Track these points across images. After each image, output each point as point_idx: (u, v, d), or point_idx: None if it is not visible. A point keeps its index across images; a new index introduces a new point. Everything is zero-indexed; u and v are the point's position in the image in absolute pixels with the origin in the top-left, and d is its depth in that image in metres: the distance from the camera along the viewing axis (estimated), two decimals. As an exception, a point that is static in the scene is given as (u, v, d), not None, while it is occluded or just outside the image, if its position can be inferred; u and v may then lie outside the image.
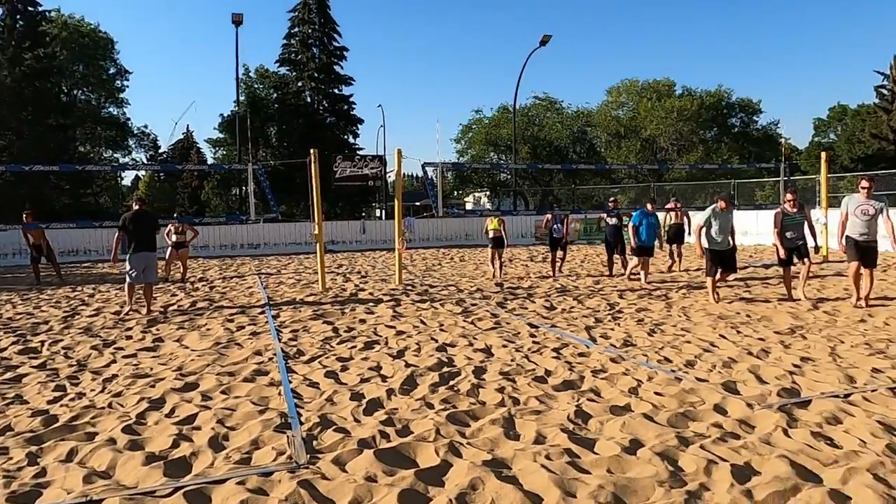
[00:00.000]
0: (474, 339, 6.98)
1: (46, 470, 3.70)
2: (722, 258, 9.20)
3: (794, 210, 8.89)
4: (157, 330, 7.96)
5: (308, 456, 3.78)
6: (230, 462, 3.72)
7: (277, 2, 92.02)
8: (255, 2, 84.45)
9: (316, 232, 11.54)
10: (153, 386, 5.37)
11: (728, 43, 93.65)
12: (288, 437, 4.07)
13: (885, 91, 48.75)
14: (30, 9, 34.20)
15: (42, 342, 7.32)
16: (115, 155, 45.88)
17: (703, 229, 9.13)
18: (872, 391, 4.73)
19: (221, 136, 42.67)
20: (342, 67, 42.57)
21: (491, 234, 12.85)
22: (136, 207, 9.54)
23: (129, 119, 45.70)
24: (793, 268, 9.16)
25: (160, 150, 50.69)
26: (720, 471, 3.41)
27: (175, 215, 17.58)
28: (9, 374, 5.87)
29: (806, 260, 8.85)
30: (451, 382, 5.28)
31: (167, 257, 13.79)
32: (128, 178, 58.49)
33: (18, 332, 7.99)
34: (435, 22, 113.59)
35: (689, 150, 44.04)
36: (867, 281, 8.23)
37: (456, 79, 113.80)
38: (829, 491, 3.14)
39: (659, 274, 12.71)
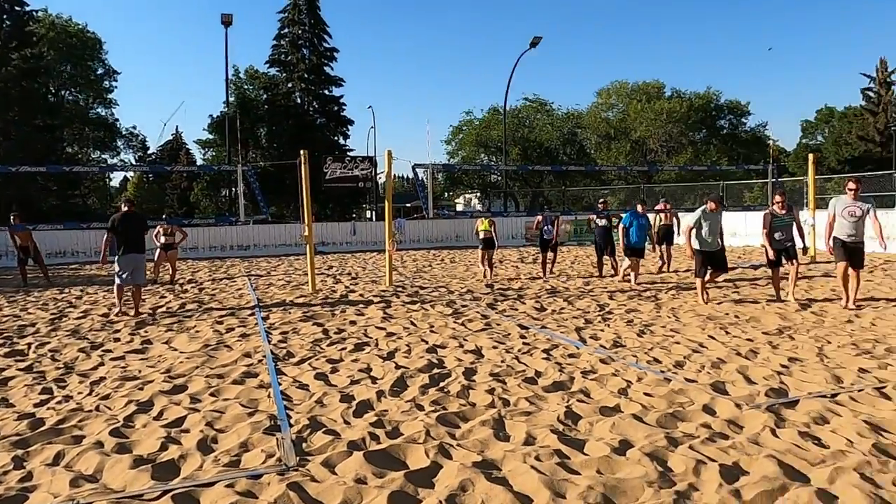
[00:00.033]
0: (465, 340, 6.98)
1: (33, 474, 3.66)
2: (712, 259, 9.26)
3: (783, 212, 8.95)
4: (146, 332, 7.91)
5: (297, 458, 3.77)
6: (219, 465, 3.70)
7: (267, 3, 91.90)
8: (244, 3, 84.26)
9: (306, 233, 11.50)
10: (141, 388, 5.33)
11: (717, 45, 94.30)
12: (277, 439, 4.05)
13: (871, 93, 49.30)
14: (17, 8, 33.96)
15: (29, 345, 7.25)
16: (104, 156, 45.60)
17: (694, 230, 9.17)
18: (859, 391, 4.77)
19: (211, 137, 42.50)
20: (332, 68, 42.55)
21: (481, 235, 12.87)
22: (124, 209, 9.49)
23: (117, 120, 45.47)
24: (781, 269, 9.23)
25: (149, 152, 50.48)
26: (709, 471, 3.43)
27: (164, 217, 17.47)
28: (-5, 377, 5.81)
29: (794, 261, 8.91)
30: (442, 384, 5.28)
31: (156, 259, 13.71)
32: (116, 179, 58.22)
33: (5, 334, 7.91)
34: (425, 23, 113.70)
35: (678, 152, 44.30)
36: (854, 282, 8.31)
37: (446, 80, 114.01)
38: (817, 490, 3.16)
39: (649, 275, 12.77)
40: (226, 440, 4.11)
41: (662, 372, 5.48)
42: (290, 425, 4.33)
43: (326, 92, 42.62)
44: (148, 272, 11.05)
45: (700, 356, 5.99)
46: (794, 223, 8.98)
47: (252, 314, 9.11)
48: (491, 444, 3.93)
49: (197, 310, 9.64)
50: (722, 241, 9.37)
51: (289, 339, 7.25)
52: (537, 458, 3.65)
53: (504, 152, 37.30)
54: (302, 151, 11.72)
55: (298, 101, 42.24)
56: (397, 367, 5.87)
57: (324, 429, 4.25)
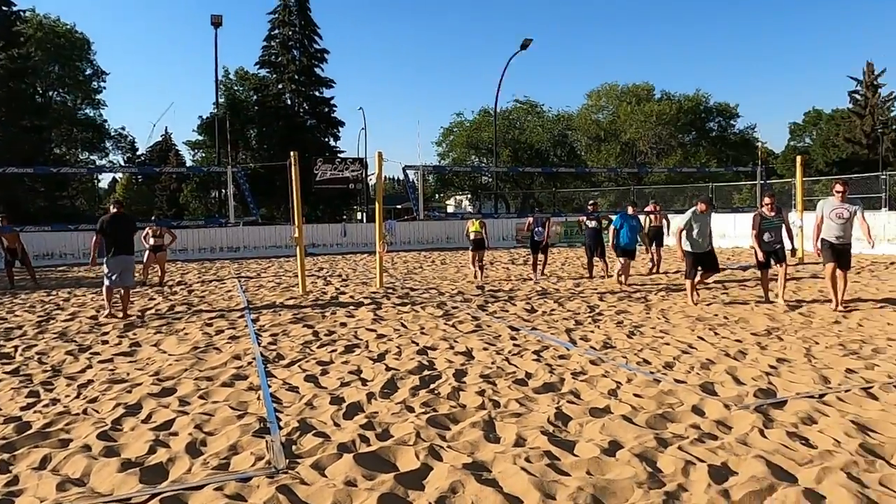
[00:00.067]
0: (455, 342, 6.98)
1: (19, 478, 3.63)
2: (703, 260, 9.30)
3: (772, 213, 9.00)
4: (134, 334, 7.86)
5: (287, 461, 3.75)
6: (208, 468, 3.68)
7: (257, 4, 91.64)
8: (234, 3, 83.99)
9: (296, 235, 11.47)
10: (130, 391, 5.29)
11: (706, 48, 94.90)
12: (267, 441, 4.04)
13: (858, 96, 49.81)
14: (3, 8, 33.71)
15: (15, 347, 7.18)
16: (92, 157, 45.30)
17: (684, 232, 9.21)
18: (846, 391, 4.80)
19: (200, 138, 42.35)
20: (323, 70, 42.55)
21: (472, 237, 12.89)
22: (113, 210, 9.43)
23: (105, 121, 45.20)
24: (770, 271, 9.28)
25: (138, 153, 50.14)
26: (698, 471, 3.44)
27: (153, 218, 17.37)
28: (-20, 381, 5.75)
29: (783, 264, 8.95)
30: (432, 386, 5.27)
31: (145, 261, 13.63)
32: (105, 180, 57.89)
33: (-9, 337, 7.84)
34: (416, 25, 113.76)
35: (667, 154, 44.57)
36: (842, 282, 8.37)
37: (437, 82, 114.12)
38: (804, 490, 3.18)
39: (639, 276, 12.82)
40: (215, 443, 4.08)
41: (652, 373, 5.50)
42: (280, 428, 4.31)
43: (317, 93, 42.59)
44: (137, 274, 10.98)
45: (689, 357, 6.02)
46: (784, 225, 9.04)
47: (242, 316, 9.08)
48: (481, 446, 3.93)
49: (186, 312, 9.59)
50: (711, 242, 9.43)
51: (279, 341, 7.23)
52: (527, 460, 3.66)
53: (495, 154, 37.37)
54: (292, 153, 11.69)
55: (289, 102, 42.17)
56: (387, 368, 5.86)
57: (313, 431, 4.24)
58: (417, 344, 6.90)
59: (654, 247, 13.73)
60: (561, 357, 6.19)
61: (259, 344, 7.09)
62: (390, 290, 11.61)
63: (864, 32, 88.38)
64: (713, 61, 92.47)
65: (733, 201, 33.15)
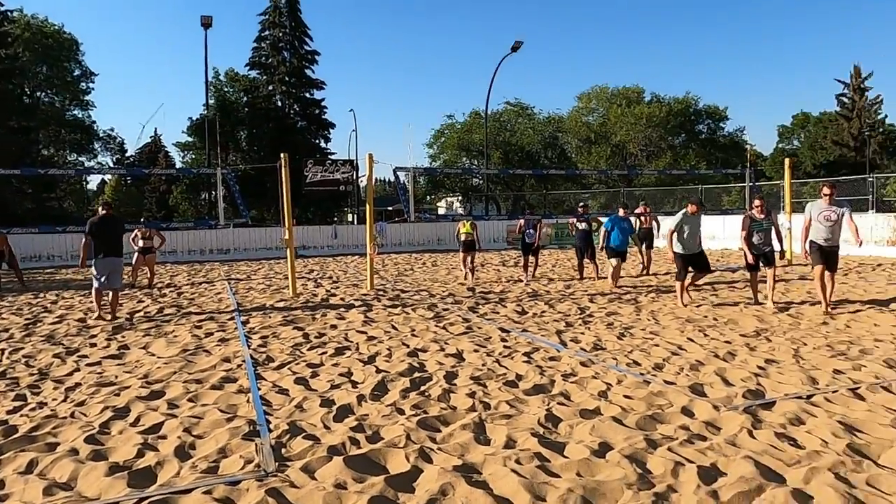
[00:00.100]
0: (446, 344, 6.97)
1: (5, 482, 3.59)
2: (693, 261, 9.35)
3: (762, 216, 9.03)
4: (123, 337, 7.81)
5: (277, 464, 3.74)
6: (197, 471, 3.66)
7: (247, 5, 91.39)
8: (224, 4, 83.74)
9: (286, 237, 11.44)
10: (118, 394, 5.26)
11: (696, 51, 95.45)
12: (256, 444, 4.02)
13: (845, 99, 50.22)
14: (-9, 9, 33.41)
15: (2, 350, 7.11)
16: (80, 158, 44.94)
17: (675, 234, 9.25)
18: (834, 392, 4.84)
19: (190, 139, 42.15)
20: (313, 71, 42.46)
21: (462, 238, 12.90)
22: (102, 212, 9.36)
23: (94, 122, 44.83)
24: (759, 273, 9.34)
25: (127, 154, 49.75)
26: (687, 472, 3.45)
27: (142, 220, 17.27)
28: (-34, 384, 5.69)
29: (772, 266, 8.98)
30: (423, 388, 5.27)
31: (133, 263, 13.55)
32: (93, 182, 57.47)
33: (-23, 340, 7.76)
34: (407, 27, 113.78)
35: (657, 156, 44.81)
36: (830, 284, 8.43)
37: (428, 84, 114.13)
38: (793, 490, 3.20)
39: (629, 278, 12.86)
40: (204, 446, 4.06)
41: (642, 374, 5.51)
42: (270, 430, 4.29)
43: (307, 95, 42.50)
44: (126, 276, 10.91)
45: (679, 358, 6.04)
46: (773, 227, 9.08)
47: (231, 318, 9.03)
48: (471, 448, 3.93)
49: (175, 314, 9.54)
50: (700, 244, 9.47)
51: (269, 344, 7.20)
52: (517, 462, 3.66)
53: (486, 156, 37.43)
54: (282, 155, 11.66)
55: (279, 103, 42.05)
56: (378, 371, 5.85)
57: (303, 434, 4.22)
58: (408, 346, 6.89)
59: (643, 248, 13.80)
60: (551, 359, 6.20)
61: (249, 346, 7.06)
62: (381, 292, 11.59)
63: (852, 36, 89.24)
64: (703, 64, 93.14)
65: (723, 203, 33.35)
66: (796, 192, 23.94)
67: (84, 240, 9.09)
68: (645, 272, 13.61)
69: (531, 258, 12.99)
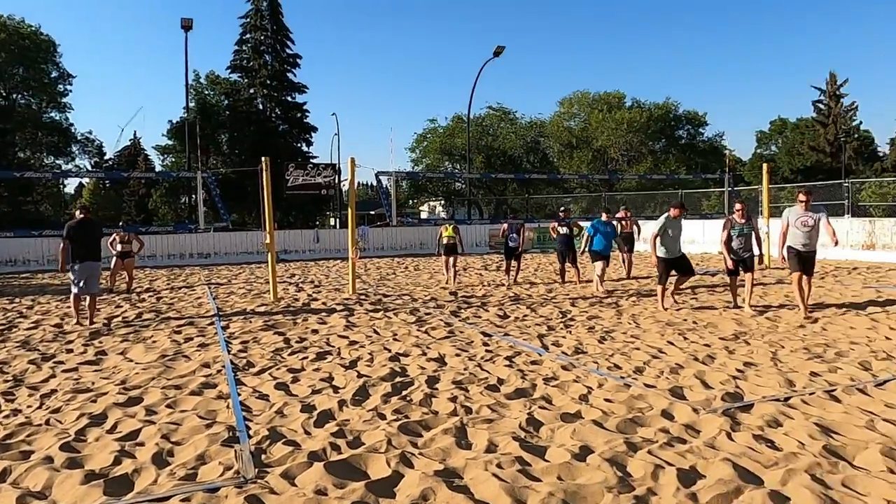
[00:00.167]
0: (428, 348, 6.96)
1: (-23, 491, 3.52)
2: (676, 265, 9.42)
3: (743, 220, 9.13)
4: (100, 343, 7.70)
5: (256, 470, 3.70)
6: (175, 478, 3.61)
7: (229, 8, 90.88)
8: (205, 7, 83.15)
9: (268, 241, 11.36)
10: (94, 401, 5.18)
11: (676, 57, 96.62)
12: (236, 451, 3.98)
13: (821, 105, 51.10)
14: (-34, 9, 32.83)
15: (-25, 357, 6.98)
16: (58, 161, 44.23)
17: (659, 238, 9.31)
18: (810, 394, 4.90)
19: (170, 142, 41.73)
20: (295, 75, 42.26)
21: (445, 241, 12.93)
22: (80, 216, 9.23)
23: (72, 124, 44.09)
24: (738, 277, 9.43)
25: (105, 157, 49.10)
26: (667, 475, 3.48)
27: (120, 224, 17.05)
28: (-62, 391, 5.57)
29: (751, 273, 9.07)
30: (404, 392, 5.26)
31: (112, 267, 13.37)
32: (71, 185, 56.59)
33: (-51, 346, 7.61)
34: (389, 31, 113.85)
35: (638, 161, 45.16)
36: (807, 287, 8.54)
37: (410, 88, 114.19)
38: (770, 492, 3.23)
39: (610, 282, 12.93)
40: (182, 453, 4.01)
41: (622, 378, 5.55)
42: (249, 437, 4.25)
43: (289, 98, 42.29)
44: (104, 281, 10.75)
45: (659, 362, 6.09)
46: (753, 232, 9.18)
47: (211, 323, 8.95)
48: (453, 453, 3.92)
49: (154, 319, 9.43)
50: (680, 247, 9.54)
51: (249, 349, 7.14)
52: (499, 466, 3.66)
53: (468, 160, 37.50)
54: (264, 158, 11.59)
55: (261, 107, 41.81)
56: (359, 375, 5.82)
57: (283, 440, 4.19)
58: (390, 350, 6.88)
59: (625, 252, 13.91)
60: (533, 363, 6.22)
61: (229, 351, 6.99)
62: (363, 297, 11.55)
63: (828, 43, 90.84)
64: (682, 70, 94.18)
65: (702, 208, 33.67)
66: (774, 196, 24.25)
67: (62, 244, 8.96)
68: (626, 276, 13.70)
69: (513, 262, 13.02)
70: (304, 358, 6.60)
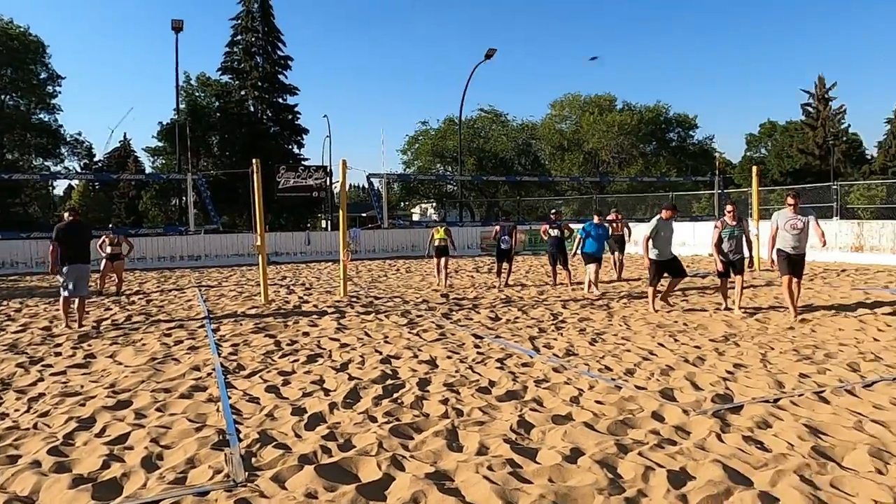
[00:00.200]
0: (419, 350, 6.96)
1: (-37, 496, 3.49)
2: (668, 267, 9.44)
3: (734, 223, 9.18)
4: (89, 346, 7.64)
5: (246, 474, 3.69)
6: (164, 482, 3.59)
7: (220, 9, 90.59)
8: (195, 8, 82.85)
9: (258, 243, 11.32)
10: (83, 404, 5.14)
11: (666, 60, 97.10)
12: (226, 454, 3.96)
13: (810, 108, 51.53)
14: (-47, 9, 32.57)
15: (-38, 360, 6.91)
16: (47, 163, 43.90)
17: (651, 240, 9.33)
18: (800, 396, 4.93)
19: (161, 144, 41.52)
20: (287, 77, 42.17)
21: (436, 243, 12.94)
22: (69, 218, 9.16)
23: (61, 126, 43.80)
24: (728, 279, 9.47)
25: (95, 159, 48.77)
26: (657, 477, 3.49)
27: (110, 226, 16.95)
28: (-76, 395, 5.52)
29: (741, 276, 9.11)
30: (395, 395, 5.25)
31: (101, 269, 13.28)
32: (60, 187, 56.18)
33: (-64, 349, 7.53)
34: (381, 33, 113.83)
35: (629, 164, 45.36)
36: (796, 289, 8.60)
37: (402, 90, 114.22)
38: (759, 493, 3.25)
39: (601, 284, 12.96)
40: (172, 456, 3.99)
41: (613, 380, 5.56)
42: (240, 440, 4.23)
43: (280, 100, 42.20)
44: (93, 283, 10.68)
45: (650, 363, 6.11)
46: (744, 235, 9.22)
47: (202, 326, 8.90)
48: (444, 455, 3.92)
49: (144, 322, 9.37)
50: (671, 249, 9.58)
51: (240, 352, 7.11)
52: (490, 468, 3.66)
53: (459, 162, 37.50)
54: (254, 160, 11.55)
55: (252, 109, 41.69)
56: (350, 378, 5.81)
57: (274, 443, 4.17)
58: (381, 353, 6.86)
59: (616, 254, 13.95)
60: (524, 365, 6.22)
61: (219, 354, 6.96)
62: (354, 299, 11.53)
63: (817, 47, 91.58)
64: (673, 74, 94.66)
65: (693, 210, 33.82)
66: (764, 199, 24.38)
67: (51, 246, 8.89)
68: (617, 278, 13.74)
69: (505, 264, 13.04)
70: (295, 360, 6.58)
